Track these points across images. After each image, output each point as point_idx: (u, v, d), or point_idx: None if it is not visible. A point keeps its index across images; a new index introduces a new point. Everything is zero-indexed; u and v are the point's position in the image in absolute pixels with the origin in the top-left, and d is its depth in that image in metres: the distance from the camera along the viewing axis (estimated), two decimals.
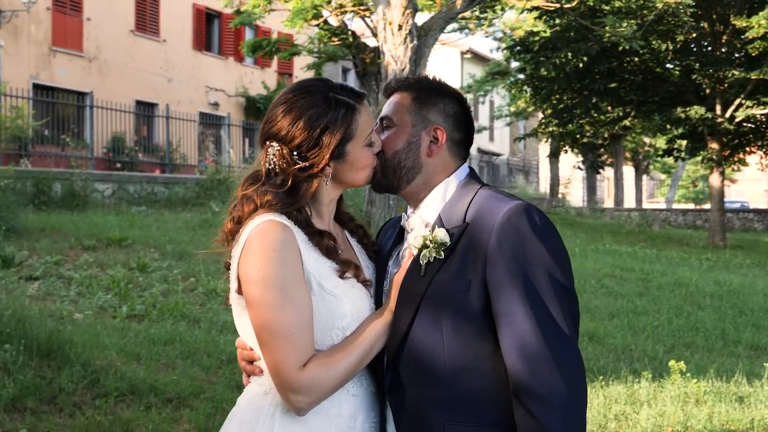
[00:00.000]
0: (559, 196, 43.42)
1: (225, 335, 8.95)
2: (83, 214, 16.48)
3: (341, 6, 21.46)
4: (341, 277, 2.63)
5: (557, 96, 29.19)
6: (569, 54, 25.12)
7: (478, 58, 53.73)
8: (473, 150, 51.77)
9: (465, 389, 2.51)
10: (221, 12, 33.64)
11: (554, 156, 37.53)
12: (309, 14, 22.31)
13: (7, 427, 6.02)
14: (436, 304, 2.55)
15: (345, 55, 25.51)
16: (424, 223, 2.67)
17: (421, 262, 2.59)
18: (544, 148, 48.86)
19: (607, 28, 21.20)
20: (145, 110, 31.57)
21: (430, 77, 2.83)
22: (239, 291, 2.60)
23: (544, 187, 51.99)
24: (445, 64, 53.55)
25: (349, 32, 23.74)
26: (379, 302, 2.71)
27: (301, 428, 2.58)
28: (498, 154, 56.81)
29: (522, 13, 25.50)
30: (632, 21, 22.65)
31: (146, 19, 32.97)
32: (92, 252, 12.99)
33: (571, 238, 22.15)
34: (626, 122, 30.86)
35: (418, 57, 15.42)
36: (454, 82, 49.14)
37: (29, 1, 26.32)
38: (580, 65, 25.16)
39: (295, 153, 2.63)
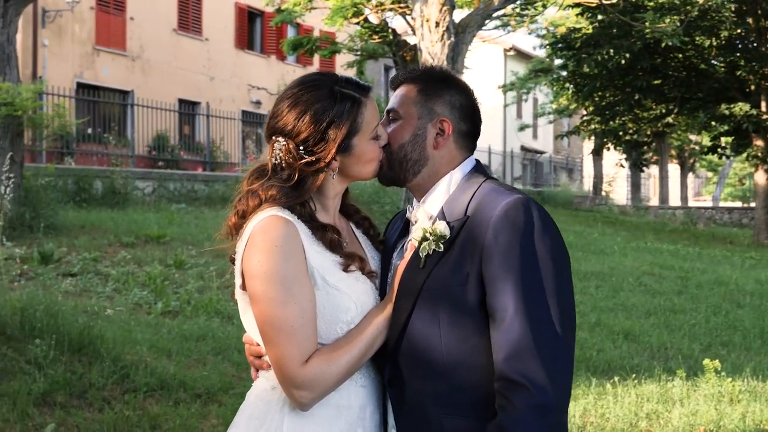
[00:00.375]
0: (603, 194, 43.09)
1: None
2: (123, 212, 16.63)
3: (381, 4, 21.43)
4: (345, 270, 2.63)
5: (599, 93, 28.99)
6: (611, 50, 24.94)
7: (521, 55, 53.47)
8: (516, 147, 51.70)
9: (461, 383, 2.50)
10: (263, 11, 33.78)
11: (597, 154, 37.27)
12: (349, 12, 22.32)
13: (36, 421, 6.09)
14: (434, 297, 2.53)
15: (386, 53, 25.50)
16: (427, 215, 2.66)
17: (420, 254, 2.58)
18: (588, 145, 48.50)
19: (647, 24, 20.96)
20: (187, 108, 31.77)
21: (437, 68, 2.81)
22: (243, 287, 2.60)
23: (588, 185, 51.62)
24: (488, 62, 53.35)
25: (390, 30, 23.74)
26: (383, 294, 2.70)
27: (310, 421, 2.58)
28: (541, 152, 56.49)
29: (563, 9, 25.36)
30: (675, 17, 22.41)
31: (189, 18, 33.17)
32: (130, 249, 13.12)
33: (612, 236, 21.98)
34: (669, 119, 30.59)
35: (456, 54, 15.38)
36: (497, 79, 48.96)
37: (73, 1, 26.58)
38: (623, 62, 24.96)
39: (301, 147, 2.62)
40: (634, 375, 8.14)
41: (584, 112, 33.83)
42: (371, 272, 2.72)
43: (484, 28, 21.54)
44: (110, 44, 29.43)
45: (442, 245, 2.55)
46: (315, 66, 36.98)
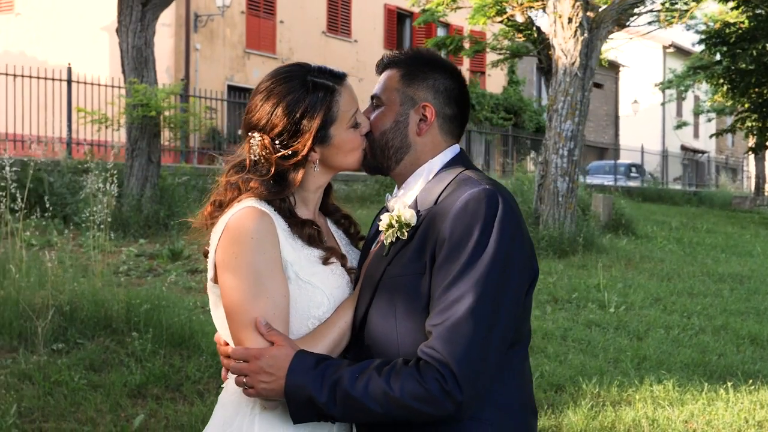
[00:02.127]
0: (766, 194, 41.40)
1: None
2: None
3: (521, 3, 21.18)
4: (325, 262, 2.57)
5: (755, 89, 27.88)
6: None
7: (681, 52, 52.03)
8: (675, 147, 50.23)
9: None
10: (412, 11, 33.92)
11: (755, 152, 35.85)
12: (491, 11, 22.17)
13: (128, 412, 6.23)
14: (393, 286, 2.46)
15: (530, 51, 25.22)
16: (404, 204, 2.57)
17: (385, 242, 2.51)
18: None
19: None
20: None
21: (423, 51, 2.71)
22: (215, 279, 2.56)
23: (751, 185, 49.74)
24: (647, 59, 52.12)
25: (535, 28, 23.46)
26: None
27: (281, 420, 2.51)
28: (702, 152, 54.78)
29: (721, 2, 24.52)
30: None
31: (338, 21, 33.65)
32: None
33: (765, 238, 21.06)
34: None
35: (590, 50, 15.04)
36: (656, 76, 47.76)
37: (224, 6, 27.33)
38: None
39: (276, 141, 2.57)
40: (750, 381, 7.74)
41: (740, 109, 32.65)
42: (351, 269, 2.65)
43: (634, 23, 21.03)
44: (260, 47, 30.15)
45: (406, 233, 2.47)
46: (465, 66, 36.89)
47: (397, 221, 2.48)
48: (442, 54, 25.54)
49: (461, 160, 2.63)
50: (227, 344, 2.63)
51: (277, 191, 2.57)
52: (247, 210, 2.51)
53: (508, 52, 25.66)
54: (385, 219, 2.51)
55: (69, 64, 17.67)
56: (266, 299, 2.44)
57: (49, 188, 13.89)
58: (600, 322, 9.95)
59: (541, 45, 22.49)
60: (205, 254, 2.64)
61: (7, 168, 8.24)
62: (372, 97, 2.69)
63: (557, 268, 13.19)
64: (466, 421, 2.37)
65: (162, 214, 13.57)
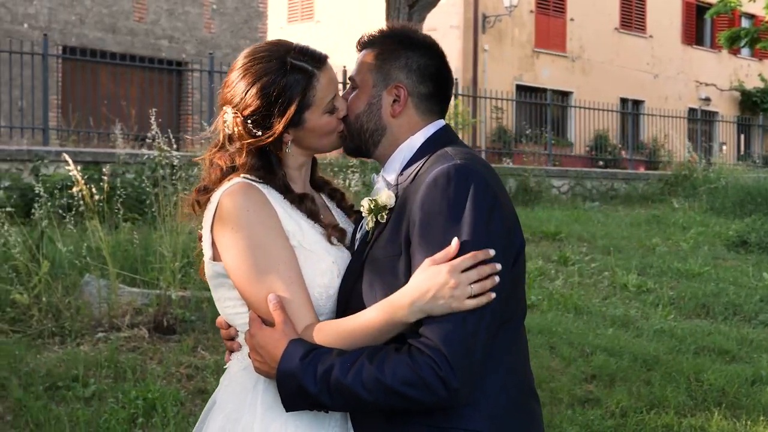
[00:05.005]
0: None
1: (604, 329, 8.72)
2: (531, 209, 16.86)
3: None
4: (328, 241, 2.54)
5: None
6: None
7: None
8: None
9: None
10: (711, 3, 32.48)
11: None
12: None
13: None
14: (373, 269, 2.41)
15: None
16: (386, 185, 2.52)
17: (366, 227, 2.48)
18: None
19: None
20: (629, 107, 31.39)
21: (397, 29, 2.62)
22: (214, 257, 2.53)
23: None
24: None
25: None
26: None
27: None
28: None
29: None
30: None
31: (632, 16, 32.85)
32: None
33: None
34: None
35: None
36: None
37: (511, 5, 27.42)
38: None
39: (249, 121, 2.52)
40: None
41: None
42: (349, 246, 2.61)
43: None
44: (550, 46, 29.98)
45: (385, 216, 2.42)
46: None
47: (374, 205, 2.44)
48: (735, 46, 24.33)
49: (444, 136, 2.53)
50: (229, 327, 2.62)
51: (264, 168, 2.54)
52: (235, 186, 2.48)
53: None
54: (365, 203, 2.46)
55: (344, 67, 18.31)
56: (275, 270, 2.40)
57: None
58: None
59: None
60: (200, 238, 2.60)
61: None
62: (349, 79, 2.64)
63: None
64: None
65: None
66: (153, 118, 9.19)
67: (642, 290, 10.54)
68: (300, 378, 2.27)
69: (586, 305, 9.79)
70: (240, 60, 2.58)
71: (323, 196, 2.78)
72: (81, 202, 7.75)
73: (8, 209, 7.80)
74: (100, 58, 17.52)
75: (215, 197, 2.51)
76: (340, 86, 2.66)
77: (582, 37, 31.01)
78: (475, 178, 2.29)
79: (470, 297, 2.20)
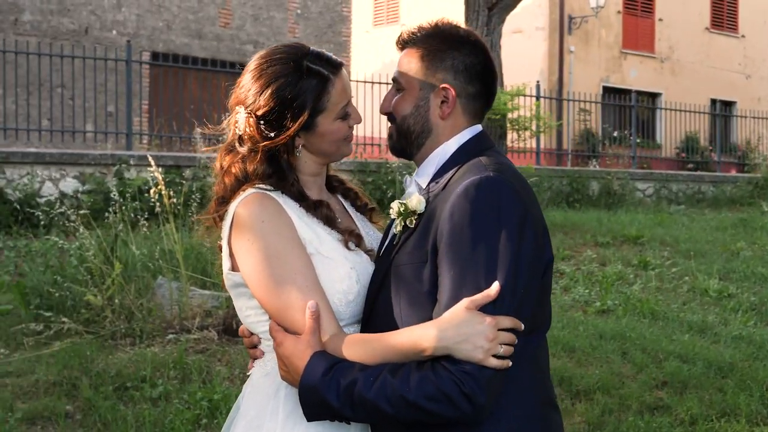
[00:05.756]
0: None
1: (680, 335, 8.55)
2: (614, 213, 16.60)
3: None
4: (345, 246, 2.54)
5: None
6: None
7: None
8: None
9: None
10: None
11: None
12: None
13: None
14: (398, 275, 2.39)
15: None
16: (417, 189, 2.51)
17: (395, 230, 2.46)
18: None
19: None
20: (720, 109, 30.74)
21: (442, 26, 2.56)
22: (233, 268, 2.54)
23: None
24: None
25: None
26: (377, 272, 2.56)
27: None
28: None
29: None
30: None
31: (723, 16, 32.20)
32: (602, 248, 13.09)
33: None
34: None
35: None
36: None
37: (598, 6, 27.10)
38: None
39: (262, 122, 2.52)
40: None
41: None
42: (369, 250, 2.61)
43: None
44: (638, 47, 29.58)
45: (414, 220, 2.40)
46: None
47: (404, 209, 2.42)
48: None
49: (479, 142, 2.51)
50: (251, 335, 2.63)
51: (277, 175, 2.54)
52: (250, 196, 2.49)
53: None
54: (394, 206, 2.45)
55: None
56: (291, 279, 2.40)
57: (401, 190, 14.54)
58: None
59: None
60: (220, 248, 2.61)
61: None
62: (393, 80, 2.61)
63: None
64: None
65: None
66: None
67: (723, 295, 10.31)
68: (322, 392, 2.28)
69: (663, 310, 9.61)
70: (254, 61, 2.58)
71: (339, 198, 2.78)
72: (158, 205, 7.88)
73: (82, 212, 7.98)
74: (186, 63, 17.77)
75: (231, 210, 2.52)
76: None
77: (671, 38, 30.49)
78: (506, 191, 2.28)
79: (495, 356, 2.19)
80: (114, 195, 8.19)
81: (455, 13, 22.01)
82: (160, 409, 6.10)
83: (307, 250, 2.47)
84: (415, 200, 2.42)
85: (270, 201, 2.49)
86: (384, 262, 2.49)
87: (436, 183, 2.45)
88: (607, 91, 28.16)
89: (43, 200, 11.36)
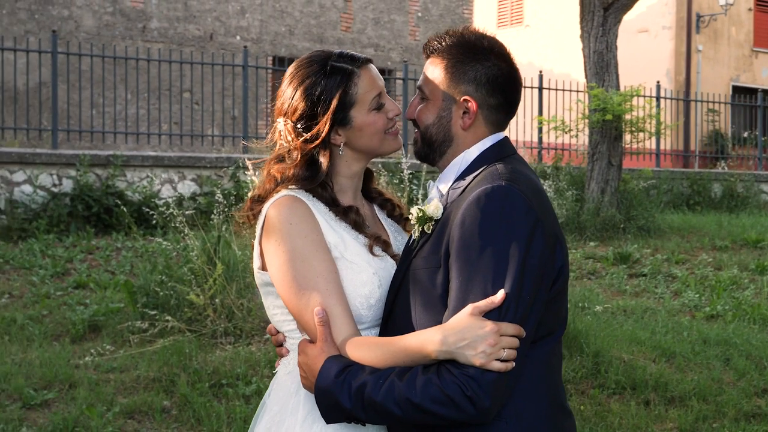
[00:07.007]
0: None
1: None
2: (736, 216, 16.16)
3: None
4: (370, 249, 2.61)
5: None
6: None
7: None
8: None
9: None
10: None
11: None
12: None
13: None
14: (414, 279, 2.45)
15: None
16: (438, 195, 2.56)
17: (413, 235, 2.52)
18: None
19: None
20: None
21: (467, 36, 2.59)
22: (262, 267, 2.64)
23: None
24: None
25: None
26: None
27: None
28: None
29: None
30: None
31: None
32: (719, 252, 12.78)
33: None
34: None
35: None
36: None
37: (727, 4, 26.40)
38: None
39: (299, 125, 2.64)
40: None
41: None
42: (394, 255, 2.66)
43: None
44: None
45: (431, 226, 2.46)
46: None
47: (422, 215, 2.48)
48: None
49: (499, 150, 2.54)
50: (277, 333, 2.73)
51: (309, 176, 2.64)
52: (281, 199, 2.59)
53: None
54: (414, 212, 2.50)
55: (540, 71, 18.19)
56: (314, 283, 2.49)
57: None
58: None
59: None
60: (253, 247, 2.72)
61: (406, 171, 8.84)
62: (417, 88, 2.67)
63: None
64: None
65: (618, 219, 13.50)
66: None
67: None
68: (336, 394, 2.36)
69: None
70: (288, 71, 2.72)
71: (375, 207, 2.87)
72: None
73: (189, 212, 8.23)
74: None
75: (263, 211, 2.64)
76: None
77: None
78: (517, 200, 2.33)
79: (498, 360, 2.24)
80: (218, 197, 8.42)
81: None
82: (252, 406, 6.26)
83: (333, 254, 2.56)
84: (433, 206, 2.48)
85: (299, 204, 2.59)
86: (403, 266, 2.55)
87: (455, 189, 2.51)
88: (737, 90, 27.39)
89: (161, 202, 11.75)
